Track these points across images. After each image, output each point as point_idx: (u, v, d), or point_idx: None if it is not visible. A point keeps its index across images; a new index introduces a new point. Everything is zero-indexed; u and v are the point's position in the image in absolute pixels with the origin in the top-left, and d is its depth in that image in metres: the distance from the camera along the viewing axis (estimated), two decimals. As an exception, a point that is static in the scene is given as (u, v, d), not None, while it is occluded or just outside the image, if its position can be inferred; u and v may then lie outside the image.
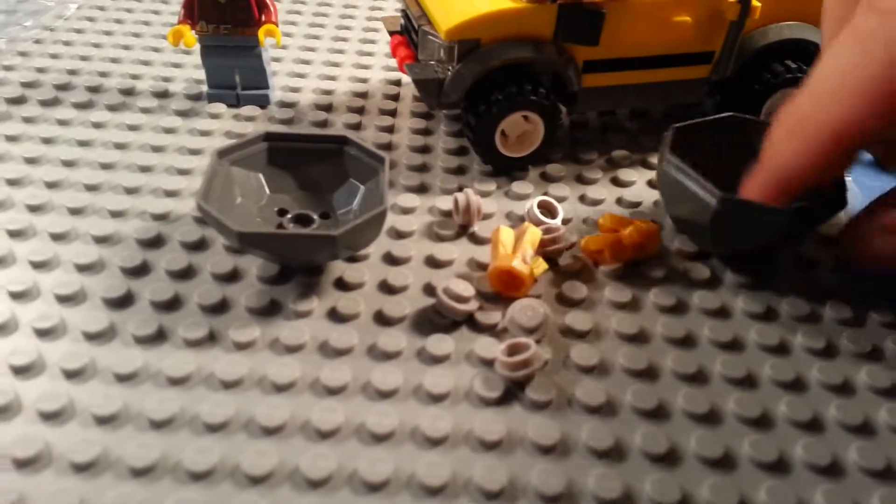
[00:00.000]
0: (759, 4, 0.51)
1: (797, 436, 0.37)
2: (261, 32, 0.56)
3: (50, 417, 0.36)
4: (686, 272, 0.47)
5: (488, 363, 0.40)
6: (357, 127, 0.59)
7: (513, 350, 0.40)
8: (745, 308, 0.45)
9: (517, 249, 0.43)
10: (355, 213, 0.46)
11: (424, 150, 0.57)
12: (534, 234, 0.44)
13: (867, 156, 0.58)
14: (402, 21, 0.57)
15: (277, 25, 0.56)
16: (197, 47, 0.57)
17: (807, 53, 0.55)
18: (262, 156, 0.47)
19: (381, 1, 0.80)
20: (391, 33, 0.57)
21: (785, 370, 0.41)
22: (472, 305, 0.42)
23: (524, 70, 0.51)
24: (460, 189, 0.53)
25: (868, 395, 0.40)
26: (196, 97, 0.60)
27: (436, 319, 0.42)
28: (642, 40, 0.52)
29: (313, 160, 0.47)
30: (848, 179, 0.49)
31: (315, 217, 0.45)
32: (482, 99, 0.51)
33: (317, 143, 0.47)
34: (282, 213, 0.46)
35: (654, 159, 0.57)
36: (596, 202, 0.53)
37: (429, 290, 0.44)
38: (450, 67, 0.50)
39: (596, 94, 0.54)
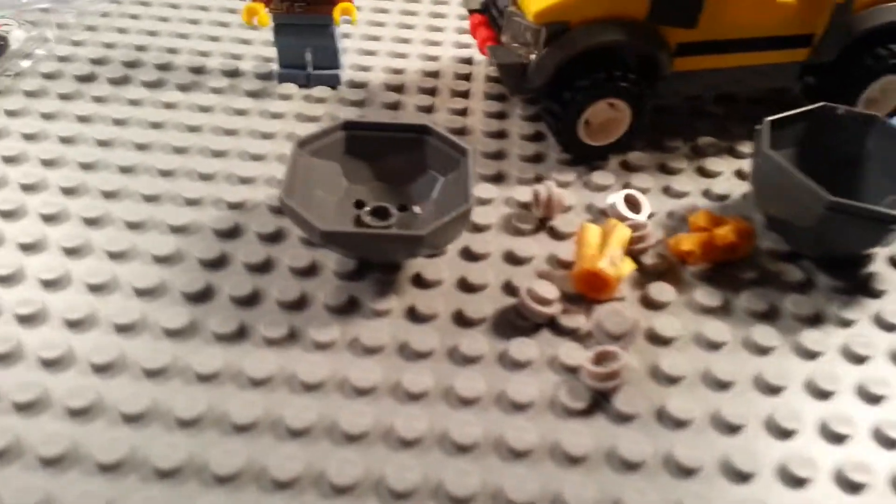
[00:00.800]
0: (866, -16, 0.48)
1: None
2: (336, 10, 0.54)
3: (131, 419, 0.36)
4: (779, 274, 0.44)
5: (572, 370, 0.39)
6: (429, 110, 0.57)
7: (600, 358, 0.38)
8: (838, 314, 0.42)
9: (604, 249, 0.42)
10: (435, 206, 0.45)
11: (500, 135, 0.55)
12: (622, 234, 0.42)
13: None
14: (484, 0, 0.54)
15: (353, 2, 0.54)
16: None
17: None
18: (341, 145, 0.46)
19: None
20: (471, 11, 0.55)
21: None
22: (555, 308, 0.41)
23: (612, 54, 0.49)
24: (538, 179, 0.51)
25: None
26: (266, 76, 0.59)
27: (517, 321, 0.41)
28: (742, 22, 0.48)
29: (392, 150, 0.46)
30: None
31: (393, 210, 0.44)
32: (566, 85, 0.48)
33: (396, 132, 0.46)
34: (359, 204, 0.45)
35: (742, 147, 0.54)
36: (681, 195, 0.50)
37: (508, 288, 0.43)
38: (535, 51, 0.48)
39: (686, 78, 0.51)
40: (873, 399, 0.38)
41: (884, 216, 0.40)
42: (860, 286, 0.44)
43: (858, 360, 0.40)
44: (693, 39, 0.49)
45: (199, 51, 0.62)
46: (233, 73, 0.59)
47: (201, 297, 0.41)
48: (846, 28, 0.50)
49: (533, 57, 0.48)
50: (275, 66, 0.58)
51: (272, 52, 0.58)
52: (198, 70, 0.59)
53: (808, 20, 0.49)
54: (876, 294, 0.44)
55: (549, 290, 0.41)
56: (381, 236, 0.39)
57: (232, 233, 0.45)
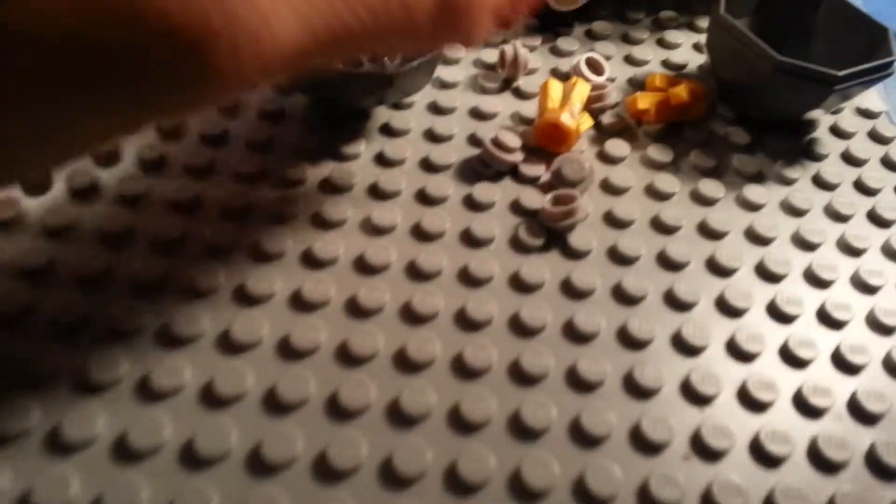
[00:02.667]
0: None
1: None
2: None
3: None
4: (727, 136, 0.47)
5: (532, 213, 0.41)
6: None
7: (557, 201, 0.40)
8: (780, 173, 0.45)
9: (565, 104, 0.43)
10: (403, 61, 0.46)
11: None
12: (582, 89, 0.44)
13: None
14: None
15: None
16: None
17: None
18: None
19: None
20: None
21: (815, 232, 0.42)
22: (517, 157, 0.43)
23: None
24: (505, 42, 0.52)
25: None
26: None
27: (481, 169, 0.43)
28: None
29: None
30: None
31: (365, 61, 0.45)
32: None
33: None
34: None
35: (701, 23, 0.56)
36: (641, 62, 0.52)
37: (473, 140, 0.45)
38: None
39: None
40: (808, 246, 0.42)
41: (827, 77, 0.42)
42: (803, 149, 0.47)
43: (797, 213, 0.43)
44: None
45: None
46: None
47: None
48: None
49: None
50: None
51: None
52: None
53: None
54: (817, 157, 0.47)
55: (512, 140, 0.43)
56: (353, 75, 0.40)
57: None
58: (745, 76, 0.45)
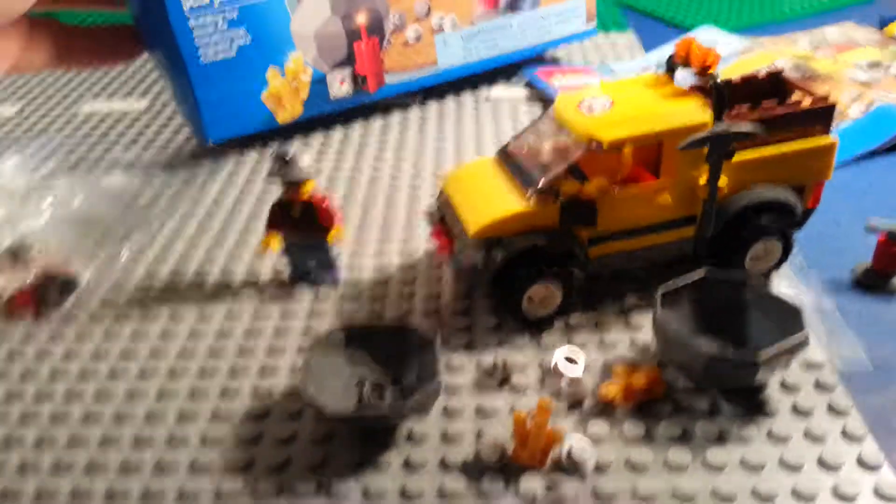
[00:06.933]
0: (724, 185, 0.63)
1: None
2: (329, 237, 0.70)
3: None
4: (690, 406, 0.57)
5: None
6: (410, 297, 0.71)
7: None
8: (739, 434, 0.54)
9: (528, 443, 0.52)
10: (418, 379, 0.58)
11: (467, 312, 0.69)
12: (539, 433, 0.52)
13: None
14: (439, 213, 0.70)
15: (342, 228, 0.71)
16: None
17: (781, 209, 0.67)
18: (343, 342, 0.60)
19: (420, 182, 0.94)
20: (432, 223, 0.70)
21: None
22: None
23: (541, 250, 0.64)
24: (500, 344, 0.64)
25: None
26: (281, 283, 0.74)
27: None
28: (631, 217, 0.64)
29: (382, 341, 0.60)
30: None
31: (387, 385, 0.58)
32: (509, 276, 0.63)
33: (384, 331, 0.61)
34: (360, 383, 0.58)
35: (659, 304, 0.68)
36: (612, 345, 0.64)
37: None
38: (479, 258, 0.63)
39: (602, 260, 0.66)
40: (766, 499, 0.50)
41: (751, 362, 0.53)
42: (755, 409, 0.57)
43: (754, 469, 0.52)
44: (599, 233, 0.64)
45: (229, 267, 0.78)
46: (255, 283, 0.75)
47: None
48: (721, 209, 0.65)
49: (478, 262, 0.63)
50: (288, 273, 0.74)
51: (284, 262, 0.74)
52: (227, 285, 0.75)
53: (688, 207, 0.65)
54: (769, 414, 0.56)
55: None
56: (370, 412, 0.52)
57: (260, 416, 0.59)
58: (687, 363, 0.56)
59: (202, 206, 0.88)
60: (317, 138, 1.02)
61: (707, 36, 1.18)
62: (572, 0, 1.10)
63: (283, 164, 0.68)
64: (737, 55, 1.10)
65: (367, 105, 1.05)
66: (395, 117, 1.06)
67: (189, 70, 0.89)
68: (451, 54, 1.04)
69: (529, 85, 1.11)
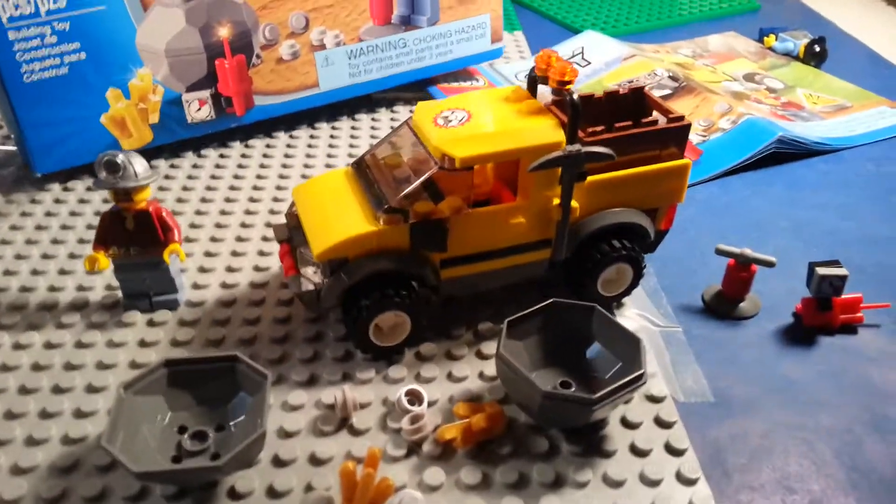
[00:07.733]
0: (577, 206, 0.62)
1: None
2: (165, 253, 0.64)
3: None
4: (528, 446, 0.56)
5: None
6: (256, 322, 0.67)
7: None
8: (574, 478, 0.53)
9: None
10: (247, 422, 0.54)
11: (316, 338, 0.65)
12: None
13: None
14: (287, 230, 0.66)
15: (181, 244, 0.65)
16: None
17: (632, 232, 0.66)
18: (163, 380, 0.55)
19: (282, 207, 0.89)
20: (280, 241, 0.66)
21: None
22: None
23: (390, 274, 0.61)
24: (346, 377, 0.61)
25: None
26: (113, 305, 0.68)
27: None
28: (485, 240, 0.62)
29: (209, 377, 0.55)
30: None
31: (210, 433, 0.54)
32: (355, 303, 0.60)
33: (211, 363, 0.56)
34: (181, 430, 0.54)
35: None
36: (461, 379, 0.62)
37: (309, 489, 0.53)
38: (322, 281, 0.59)
39: (455, 283, 0.63)
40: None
41: (586, 401, 0.52)
42: (594, 448, 0.56)
43: (587, 517, 0.51)
44: (450, 256, 0.61)
45: (54, 286, 0.71)
46: (83, 306, 0.68)
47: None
48: (574, 231, 0.64)
49: (322, 286, 0.59)
50: (121, 295, 0.68)
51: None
52: (51, 307, 0.68)
53: (542, 230, 0.63)
54: (607, 455, 0.55)
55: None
56: (184, 472, 0.48)
57: (65, 469, 0.54)
58: (525, 400, 0.54)
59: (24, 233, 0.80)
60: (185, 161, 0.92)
61: (592, 41, 1.16)
62: (475, 17, 1.00)
63: (114, 170, 0.62)
64: (619, 62, 1.08)
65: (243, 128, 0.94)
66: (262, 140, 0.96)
67: (8, 90, 0.77)
68: (336, 74, 0.94)
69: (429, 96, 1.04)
